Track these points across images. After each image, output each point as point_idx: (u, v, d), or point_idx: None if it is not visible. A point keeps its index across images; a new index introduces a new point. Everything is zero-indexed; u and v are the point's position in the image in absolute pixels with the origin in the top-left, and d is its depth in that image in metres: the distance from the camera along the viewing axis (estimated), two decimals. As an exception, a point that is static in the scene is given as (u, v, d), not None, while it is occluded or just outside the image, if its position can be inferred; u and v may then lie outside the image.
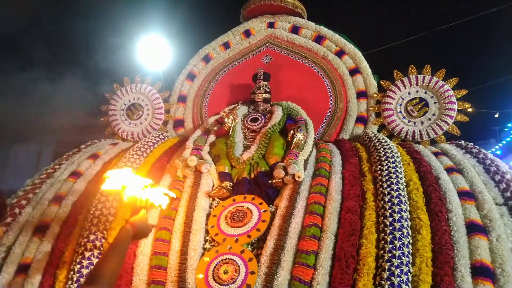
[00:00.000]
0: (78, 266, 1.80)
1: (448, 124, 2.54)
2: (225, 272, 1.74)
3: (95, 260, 1.81)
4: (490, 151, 2.40)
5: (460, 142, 2.48)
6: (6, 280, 1.86)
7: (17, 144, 7.90)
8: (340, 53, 3.00)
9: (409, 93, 2.70)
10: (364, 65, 2.92)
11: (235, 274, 1.73)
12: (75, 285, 1.74)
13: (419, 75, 2.69)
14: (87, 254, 1.82)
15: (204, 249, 1.90)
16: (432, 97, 2.64)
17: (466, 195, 1.94)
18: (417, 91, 2.69)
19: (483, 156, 2.23)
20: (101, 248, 1.88)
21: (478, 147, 2.34)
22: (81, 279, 1.75)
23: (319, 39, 3.09)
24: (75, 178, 2.39)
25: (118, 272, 1.21)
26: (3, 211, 0.88)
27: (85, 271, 1.78)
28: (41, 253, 1.95)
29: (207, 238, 1.95)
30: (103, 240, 1.91)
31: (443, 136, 2.56)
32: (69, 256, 1.90)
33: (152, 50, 4.64)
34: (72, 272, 1.79)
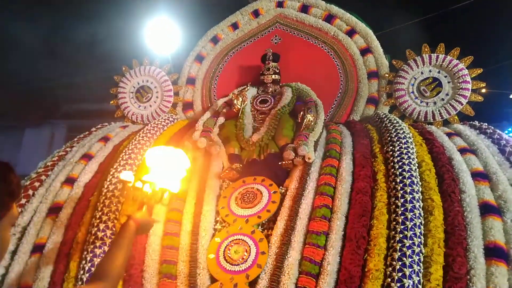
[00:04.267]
0: (92, 246, 1.83)
1: (462, 104, 2.48)
2: (236, 252, 1.76)
3: (108, 240, 1.84)
4: (502, 134, 2.33)
5: (474, 123, 2.42)
6: (23, 259, 1.91)
7: (30, 128, 8.01)
8: (351, 33, 2.93)
9: (421, 73, 2.63)
10: (376, 44, 2.85)
11: (245, 254, 1.75)
12: (89, 264, 1.77)
13: (432, 54, 2.62)
14: (100, 234, 1.85)
15: (215, 229, 1.91)
16: (445, 77, 2.57)
17: (480, 176, 1.90)
18: (430, 71, 2.62)
19: (498, 137, 2.18)
20: (114, 229, 1.91)
21: (492, 128, 2.29)
22: (95, 259, 1.78)
23: (329, 18, 3.02)
24: (87, 160, 2.41)
25: (124, 267, 1.23)
26: (18, 191, 0.90)
27: (98, 251, 1.81)
28: (55, 234, 1.99)
29: (218, 219, 1.97)
30: (115, 221, 1.94)
31: (456, 117, 2.50)
32: (82, 236, 1.94)
33: (160, 33, 4.59)
34: (85, 252, 1.83)
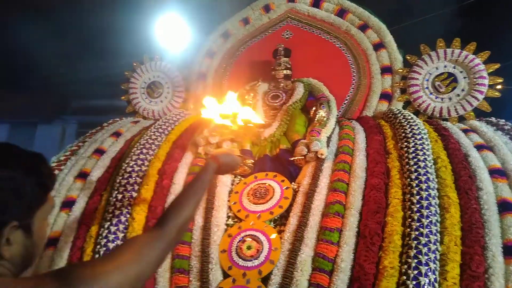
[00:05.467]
0: (105, 240, 1.83)
1: (478, 100, 2.43)
2: (248, 248, 1.75)
3: (121, 235, 1.84)
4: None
5: (490, 119, 2.38)
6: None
7: (42, 124, 8.14)
8: (364, 27, 2.89)
9: (436, 68, 2.59)
10: (389, 39, 2.80)
11: (258, 250, 1.74)
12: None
13: (447, 49, 2.56)
14: (113, 228, 1.86)
15: (227, 225, 1.91)
16: (461, 72, 2.52)
17: (497, 173, 1.86)
18: (445, 66, 2.57)
19: (516, 133, 2.13)
20: (126, 223, 1.91)
21: (510, 124, 2.24)
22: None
23: (341, 12, 2.98)
24: (99, 155, 2.42)
25: (193, 216, 1.08)
26: (51, 183, 0.89)
27: (111, 245, 1.81)
28: (69, 228, 2.01)
29: (230, 214, 1.96)
30: (128, 216, 1.94)
31: (472, 113, 2.45)
32: (95, 230, 1.95)
33: (170, 29, 4.59)
34: (99, 246, 1.83)
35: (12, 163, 0.79)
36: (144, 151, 2.26)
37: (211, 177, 1.18)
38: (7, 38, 5.23)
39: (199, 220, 1.90)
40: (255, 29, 3.14)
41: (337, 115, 2.51)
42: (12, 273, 0.80)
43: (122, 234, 1.86)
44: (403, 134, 2.09)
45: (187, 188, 1.12)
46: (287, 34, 3.06)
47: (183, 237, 1.79)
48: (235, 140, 1.36)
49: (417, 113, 2.55)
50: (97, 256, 1.79)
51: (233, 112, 1.37)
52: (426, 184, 1.75)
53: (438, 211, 1.68)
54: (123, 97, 3.18)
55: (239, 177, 2.16)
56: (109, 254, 0.88)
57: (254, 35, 3.13)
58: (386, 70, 2.74)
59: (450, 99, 2.51)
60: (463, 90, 2.49)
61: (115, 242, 1.82)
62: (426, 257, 1.51)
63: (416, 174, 1.80)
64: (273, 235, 1.78)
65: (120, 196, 1.99)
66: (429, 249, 1.54)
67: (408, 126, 2.14)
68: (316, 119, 2.29)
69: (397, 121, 2.26)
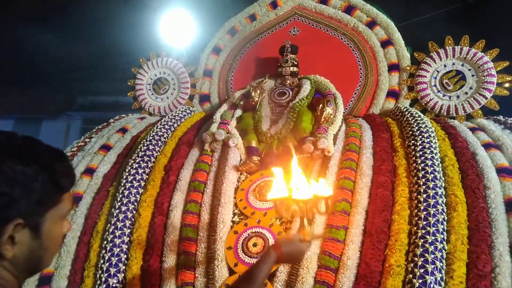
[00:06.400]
0: (111, 236, 1.85)
1: (486, 98, 2.41)
2: (254, 245, 1.76)
3: (127, 231, 1.86)
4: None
5: (498, 117, 2.36)
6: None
7: (47, 120, 8.19)
8: (372, 24, 2.87)
9: (444, 66, 2.56)
10: (397, 36, 2.78)
11: (264, 247, 1.74)
12: (109, 253, 1.79)
13: (456, 47, 2.54)
14: (119, 224, 1.87)
15: (233, 222, 1.91)
16: (469, 70, 2.50)
17: (505, 172, 1.85)
18: (453, 64, 2.55)
19: (525, 132, 2.11)
20: (133, 219, 1.92)
21: (519, 122, 2.22)
22: (114, 249, 1.80)
23: (349, 9, 2.96)
24: (105, 151, 2.43)
25: None
26: (66, 182, 0.82)
27: (118, 241, 1.83)
28: (76, 223, 2.02)
29: (236, 211, 1.96)
30: (134, 212, 1.95)
31: (480, 111, 2.43)
32: (102, 225, 1.96)
33: (176, 25, 4.58)
34: (105, 242, 1.85)
35: (27, 158, 0.74)
36: (151, 147, 2.27)
37: (271, 268, 1.07)
38: (14, 35, 5.27)
39: (205, 216, 1.91)
40: (262, 26, 3.13)
41: (344, 112, 2.50)
42: (14, 277, 0.73)
43: (129, 230, 1.88)
44: (410, 132, 2.08)
45: (244, 279, 1.05)
46: (294, 31, 3.04)
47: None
48: (304, 216, 1.23)
49: (424, 111, 2.54)
50: (103, 251, 1.81)
51: (298, 187, 1.21)
52: (433, 183, 1.74)
53: (445, 210, 1.68)
54: (129, 94, 3.18)
55: (245, 174, 2.17)
56: None
57: (261, 32, 3.12)
58: (393, 67, 2.72)
59: (458, 97, 2.49)
60: (471, 88, 2.47)
61: (122, 238, 1.84)
62: (432, 256, 1.51)
63: (423, 172, 1.80)
64: (279, 232, 1.78)
65: (126, 192, 2.00)
66: (436, 247, 1.53)
67: (415, 124, 2.13)
68: (323, 117, 2.27)
69: (404, 119, 2.25)
